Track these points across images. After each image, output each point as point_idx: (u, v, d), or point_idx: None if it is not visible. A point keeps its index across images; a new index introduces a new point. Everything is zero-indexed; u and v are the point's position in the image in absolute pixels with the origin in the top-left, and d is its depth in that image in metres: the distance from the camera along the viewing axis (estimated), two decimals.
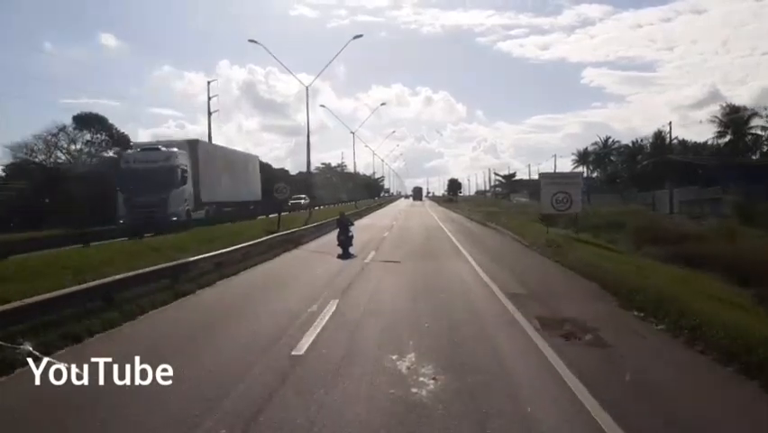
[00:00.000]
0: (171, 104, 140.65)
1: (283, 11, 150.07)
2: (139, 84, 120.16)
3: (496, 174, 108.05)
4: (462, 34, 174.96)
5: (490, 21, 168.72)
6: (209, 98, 65.17)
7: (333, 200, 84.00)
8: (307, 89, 41.01)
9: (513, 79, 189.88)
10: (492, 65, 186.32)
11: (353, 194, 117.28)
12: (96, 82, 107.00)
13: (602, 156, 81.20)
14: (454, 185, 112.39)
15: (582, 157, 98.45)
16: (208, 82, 68.11)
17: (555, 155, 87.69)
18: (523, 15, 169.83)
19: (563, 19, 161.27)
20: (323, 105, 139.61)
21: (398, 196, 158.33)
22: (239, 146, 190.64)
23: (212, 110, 60.79)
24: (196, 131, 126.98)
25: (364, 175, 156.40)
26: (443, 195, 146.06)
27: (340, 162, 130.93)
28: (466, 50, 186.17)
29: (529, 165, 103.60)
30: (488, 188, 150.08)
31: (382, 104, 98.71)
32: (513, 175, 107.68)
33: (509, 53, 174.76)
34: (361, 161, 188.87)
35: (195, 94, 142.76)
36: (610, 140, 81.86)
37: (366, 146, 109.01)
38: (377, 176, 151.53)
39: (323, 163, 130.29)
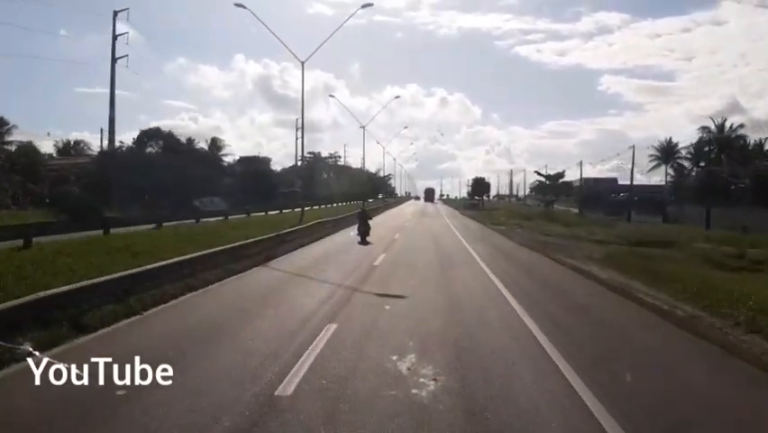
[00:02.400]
0: (185, 96, 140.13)
1: (300, 8, 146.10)
2: (153, 75, 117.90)
3: (537, 174, 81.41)
4: (480, 37, 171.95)
5: (508, 25, 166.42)
6: (114, 38, 43.28)
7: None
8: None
9: (529, 84, 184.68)
10: (509, 69, 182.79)
11: (352, 192, 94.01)
12: (109, 72, 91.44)
13: (719, 147, 54.03)
14: (480, 186, 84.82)
15: (666, 153, 71.73)
16: (114, 13, 43.77)
17: (633, 146, 60.36)
18: (541, 21, 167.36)
19: (582, 26, 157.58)
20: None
21: (408, 197, 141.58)
22: (250, 141, 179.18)
23: (117, 55, 41.93)
24: (209, 124, 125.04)
25: (367, 171, 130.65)
26: (458, 198, 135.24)
27: (332, 153, 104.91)
28: (483, 54, 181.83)
29: (581, 162, 76.08)
30: (508, 191, 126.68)
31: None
32: (561, 175, 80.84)
33: (527, 58, 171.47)
34: (371, 160, 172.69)
35: (209, 87, 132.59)
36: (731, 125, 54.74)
37: (360, 125, 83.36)
38: (382, 173, 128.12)
39: (310, 153, 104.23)
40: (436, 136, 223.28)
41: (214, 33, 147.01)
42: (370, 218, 26.96)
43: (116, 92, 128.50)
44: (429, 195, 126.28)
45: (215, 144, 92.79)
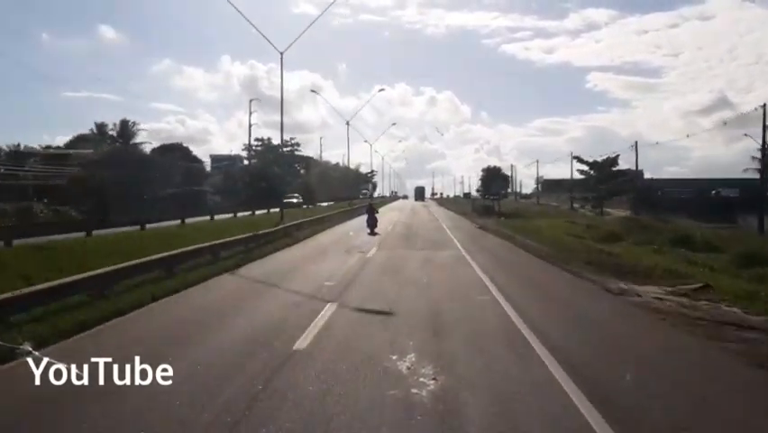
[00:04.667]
0: (171, 99, 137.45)
1: (286, 8, 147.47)
2: (138, 78, 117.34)
3: (579, 160, 55.10)
4: (467, 35, 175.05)
5: (495, 23, 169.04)
6: None
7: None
8: None
9: (517, 82, 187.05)
10: (497, 67, 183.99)
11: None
12: (95, 75, 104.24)
13: None
14: (494, 180, 56.45)
15: None
16: None
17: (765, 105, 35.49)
18: (528, 18, 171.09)
19: (569, 22, 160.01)
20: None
21: (394, 197, 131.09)
22: (239, 142, 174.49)
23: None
24: (197, 126, 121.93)
25: (344, 166, 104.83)
26: (450, 197, 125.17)
27: (288, 140, 77.73)
28: (470, 52, 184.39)
29: (636, 143, 49.58)
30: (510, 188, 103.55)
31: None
32: (613, 162, 54.95)
33: (514, 56, 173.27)
34: (358, 159, 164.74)
35: (195, 89, 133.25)
36: None
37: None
38: (363, 169, 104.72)
39: (258, 140, 76.96)
40: (426, 135, 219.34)
41: (199, 34, 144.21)
42: (377, 212, 29.70)
43: (101, 95, 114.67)
44: (419, 193, 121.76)
45: (126, 129, 66.96)
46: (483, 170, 56.30)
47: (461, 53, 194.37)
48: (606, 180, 54.93)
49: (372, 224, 27.68)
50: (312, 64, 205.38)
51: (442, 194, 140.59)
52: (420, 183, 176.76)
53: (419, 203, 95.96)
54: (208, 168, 76.11)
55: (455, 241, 23.32)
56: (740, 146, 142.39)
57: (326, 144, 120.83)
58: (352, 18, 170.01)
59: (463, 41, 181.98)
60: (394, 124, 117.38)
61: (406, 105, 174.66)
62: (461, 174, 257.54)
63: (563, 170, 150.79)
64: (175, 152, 65.34)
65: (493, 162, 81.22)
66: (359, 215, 44.53)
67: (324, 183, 77.30)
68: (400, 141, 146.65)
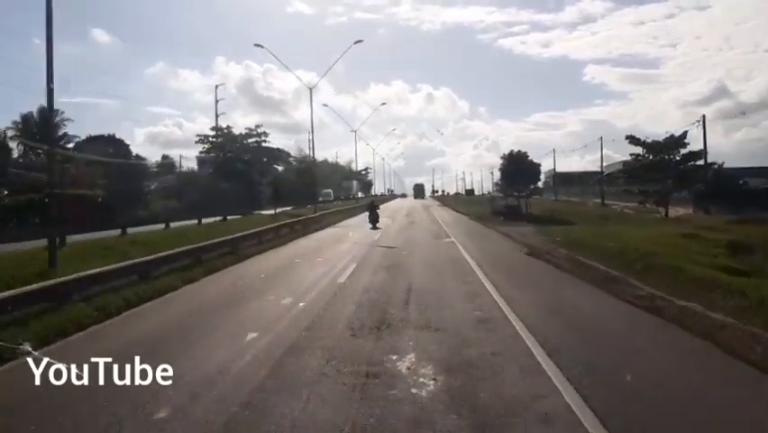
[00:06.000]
0: (166, 102, 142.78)
1: (279, 7, 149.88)
2: (133, 81, 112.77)
3: (631, 141, 40.04)
4: (463, 31, 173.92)
5: (491, 18, 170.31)
6: None
7: None
8: None
9: (514, 77, 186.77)
10: (493, 62, 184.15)
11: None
12: (89, 79, 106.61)
13: None
14: (519, 170, 40.07)
15: None
16: None
17: None
18: (524, 12, 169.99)
19: (565, 16, 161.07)
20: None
21: (392, 195, 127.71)
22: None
23: None
24: (194, 129, 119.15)
25: (328, 162, 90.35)
26: (448, 194, 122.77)
27: (251, 128, 61.47)
28: (467, 48, 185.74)
29: (703, 116, 34.66)
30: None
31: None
32: (679, 142, 40.04)
33: (510, 50, 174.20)
34: (358, 159, 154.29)
35: (190, 91, 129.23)
36: None
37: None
38: (354, 166, 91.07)
39: (215, 129, 60.74)
40: (424, 133, 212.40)
41: (192, 36, 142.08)
42: (378, 208, 31.69)
43: (98, 100, 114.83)
44: (419, 191, 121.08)
45: (47, 117, 51.67)
46: (504, 158, 40.88)
47: (458, 49, 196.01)
48: (669, 168, 39.97)
49: (374, 219, 29.65)
50: (307, 63, 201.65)
51: (443, 191, 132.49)
52: (419, 181, 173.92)
53: (419, 202, 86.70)
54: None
55: (528, 343, 7.82)
56: (739, 135, 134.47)
57: (324, 144, 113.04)
58: (347, 16, 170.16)
59: (459, 36, 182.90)
60: (383, 103, 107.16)
61: (403, 103, 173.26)
62: (462, 170, 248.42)
63: (563, 164, 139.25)
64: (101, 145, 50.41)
65: (492, 159, 67.09)
66: (305, 234, 27.70)
67: (302, 181, 62.08)
68: (394, 128, 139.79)
